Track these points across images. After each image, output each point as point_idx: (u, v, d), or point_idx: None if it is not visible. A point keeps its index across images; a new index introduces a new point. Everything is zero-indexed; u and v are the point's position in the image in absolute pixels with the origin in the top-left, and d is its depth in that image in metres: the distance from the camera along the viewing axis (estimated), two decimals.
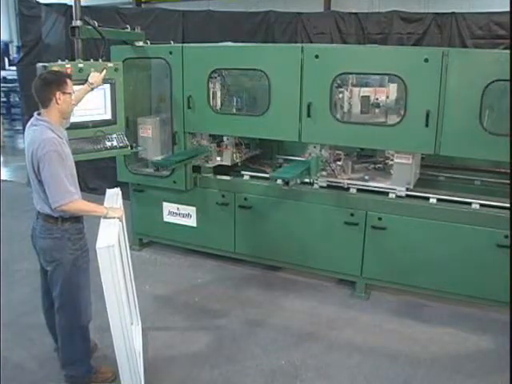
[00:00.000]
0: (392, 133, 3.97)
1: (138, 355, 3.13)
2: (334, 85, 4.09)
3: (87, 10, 4.89)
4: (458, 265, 4.00)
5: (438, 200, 4.08)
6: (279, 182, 4.22)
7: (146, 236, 5.41)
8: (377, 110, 4.31)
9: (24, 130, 3.02)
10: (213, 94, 4.63)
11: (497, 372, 3.34)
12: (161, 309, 4.20)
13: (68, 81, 2.93)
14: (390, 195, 4.19)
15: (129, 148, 4.31)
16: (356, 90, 4.33)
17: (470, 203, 3.99)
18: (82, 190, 3.06)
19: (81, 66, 3.88)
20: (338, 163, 4.44)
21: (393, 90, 4.17)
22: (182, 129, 4.69)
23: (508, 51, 3.60)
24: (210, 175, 4.86)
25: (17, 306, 4.13)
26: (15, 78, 9.92)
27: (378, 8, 8.47)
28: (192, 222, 4.97)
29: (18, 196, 6.98)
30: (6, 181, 8.11)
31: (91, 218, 2.98)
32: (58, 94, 2.85)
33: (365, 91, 4.33)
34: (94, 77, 3.78)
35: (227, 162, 4.86)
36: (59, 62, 3.82)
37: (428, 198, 4.11)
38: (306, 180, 4.37)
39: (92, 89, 3.71)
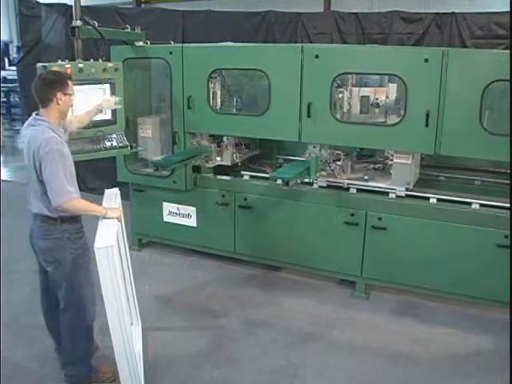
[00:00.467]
0: (392, 133, 3.97)
1: (138, 356, 3.13)
2: (334, 85, 4.09)
3: (87, 10, 4.89)
4: (457, 265, 4.00)
5: (438, 200, 4.08)
6: (279, 182, 4.21)
7: (145, 236, 5.41)
8: (377, 110, 4.32)
9: None
10: (213, 93, 4.63)
11: (497, 372, 3.33)
12: (161, 309, 4.20)
13: (69, 82, 2.96)
14: (390, 195, 4.19)
15: (128, 148, 4.32)
16: (356, 90, 4.35)
17: (470, 203, 3.99)
18: (81, 189, 3.07)
19: (81, 66, 3.89)
20: (338, 163, 4.44)
21: (392, 89, 4.17)
22: (182, 129, 4.69)
23: (508, 51, 3.59)
24: (210, 175, 4.86)
25: (17, 306, 4.13)
26: (15, 78, 9.93)
27: (378, 8, 8.46)
28: (192, 222, 4.97)
29: (17, 196, 6.93)
30: (6, 181, 8.10)
31: (90, 217, 2.98)
32: (59, 94, 2.87)
33: (364, 91, 4.34)
34: (107, 101, 3.78)
35: (227, 162, 4.86)
36: (59, 62, 3.83)
37: (428, 198, 4.11)
38: (306, 180, 4.37)
39: (100, 110, 3.71)
